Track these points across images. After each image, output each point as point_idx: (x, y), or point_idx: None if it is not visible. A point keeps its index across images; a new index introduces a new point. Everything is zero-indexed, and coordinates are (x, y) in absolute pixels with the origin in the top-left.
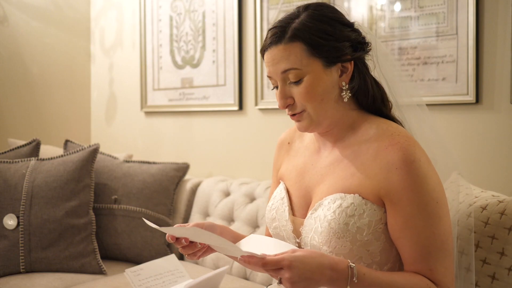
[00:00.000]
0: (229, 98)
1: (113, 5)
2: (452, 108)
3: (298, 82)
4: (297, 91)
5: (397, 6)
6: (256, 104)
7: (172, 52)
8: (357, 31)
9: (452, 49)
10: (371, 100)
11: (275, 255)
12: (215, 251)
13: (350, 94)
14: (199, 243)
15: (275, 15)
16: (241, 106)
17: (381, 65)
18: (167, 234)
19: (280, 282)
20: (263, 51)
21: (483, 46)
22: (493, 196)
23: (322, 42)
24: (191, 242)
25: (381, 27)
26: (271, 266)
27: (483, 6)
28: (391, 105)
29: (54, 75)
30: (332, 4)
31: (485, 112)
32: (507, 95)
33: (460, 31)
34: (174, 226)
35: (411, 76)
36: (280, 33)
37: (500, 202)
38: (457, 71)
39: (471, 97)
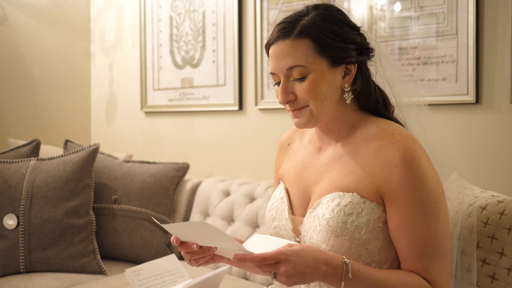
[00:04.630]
0: (229, 98)
1: (113, 5)
2: (452, 108)
3: (302, 79)
4: (300, 88)
5: (397, 6)
6: (256, 104)
7: (172, 52)
8: (362, 36)
9: (452, 49)
10: (373, 103)
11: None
12: (216, 262)
13: (352, 96)
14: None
15: (275, 15)
16: (241, 106)
17: (384, 70)
18: (172, 237)
19: (274, 277)
20: (268, 46)
21: (483, 46)
22: (493, 196)
23: (330, 41)
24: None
25: (381, 27)
26: (270, 260)
27: (483, 6)
28: (393, 108)
29: (54, 75)
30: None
31: (485, 112)
32: (507, 95)
33: (460, 31)
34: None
35: (411, 76)
36: (289, 28)
37: (499, 202)
38: (457, 71)
39: (471, 97)
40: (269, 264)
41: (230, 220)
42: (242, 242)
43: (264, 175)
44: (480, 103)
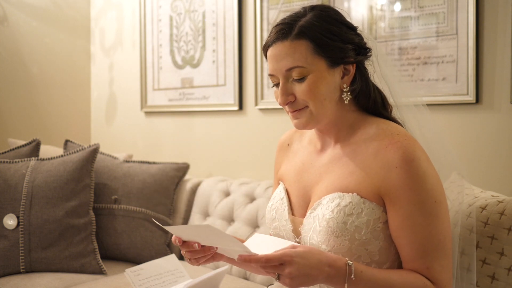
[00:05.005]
0: (229, 98)
1: (113, 5)
2: (452, 108)
3: (301, 80)
4: (299, 89)
5: (397, 6)
6: (256, 104)
7: (172, 52)
8: (360, 36)
9: (452, 49)
10: (372, 103)
11: (276, 251)
12: (216, 260)
13: (351, 96)
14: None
15: (275, 15)
16: (241, 106)
17: (382, 69)
18: (173, 237)
19: (278, 278)
20: (266, 48)
21: (483, 46)
22: (493, 196)
23: (328, 41)
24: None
25: (381, 27)
26: (275, 261)
27: (483, 6)
28: (391, 108)
29: (54, 75)
30: (332, 5)
31: (485, 112)
32: (507, 95)
33: (460, 31)
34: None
35: (411, 76)
36: (287, 30)
37: (499, 202)
38: (457, 71)
39: (471, 97)
40: (273, 265)
41: (230, 220)
42: (242, 241)
43: (264, 175)
44: (480, 103)
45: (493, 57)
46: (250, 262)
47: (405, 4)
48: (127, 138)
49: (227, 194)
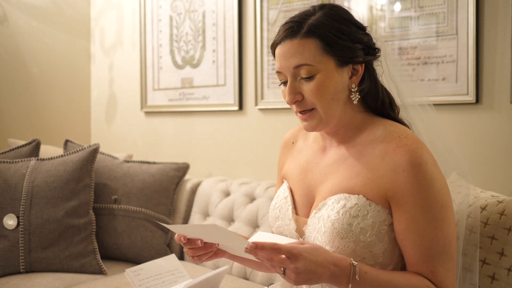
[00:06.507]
0: (229, 98)
1: (113, 5)
2: (452, 108)
3: (309, 78)
4: (307, 88)
5: (397, 6)
6: (256, 104)
7: (172, 52)
8: (369, 35)
9: (452, 49)
10: (380, 103)
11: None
12: (219, 257)
13: (359, 96)
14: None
15: (275, 15)
16: (241, 106)
17: (390, 70)
18: (176, 235)
19: (283, 273)
20: (274, 46)
21: (483, 46)
22: (493, 196)
23: (337, 40)
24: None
25: (381, 27)
26: (284, 252)
27: (483, 6)
28: (399, 109)
29: (54, 75)
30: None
31: (485, 112)
32: (507, 95)
33: (460, 31)
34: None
35: (411, 76)
36: (296, 28)
37: (499, 202)
38: (457, 71)
39: (471, 97)
40: (281, 259)
41: (230, 220)
42: (246, 238)
43: (264, 175)
44: (480, 103)
45: (493, 57)
46: (262, 248)
47: (405, 4)
48: (127, 138)
49: (227, 194)
